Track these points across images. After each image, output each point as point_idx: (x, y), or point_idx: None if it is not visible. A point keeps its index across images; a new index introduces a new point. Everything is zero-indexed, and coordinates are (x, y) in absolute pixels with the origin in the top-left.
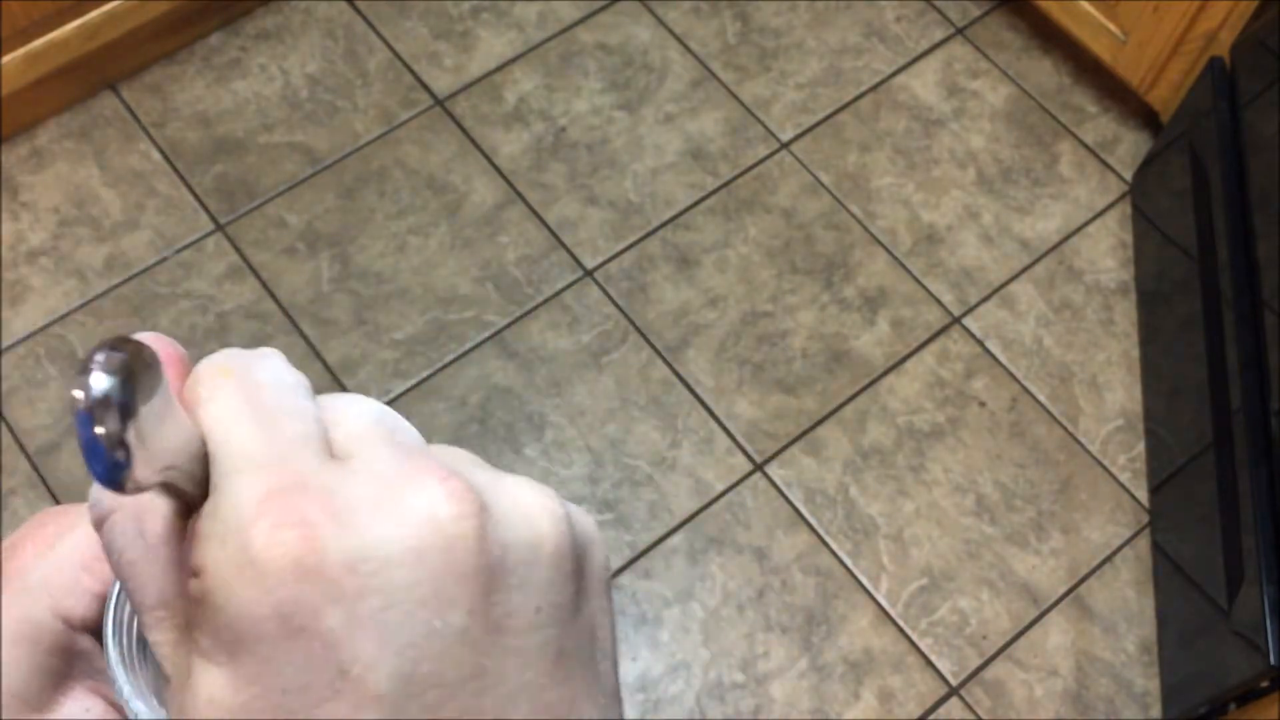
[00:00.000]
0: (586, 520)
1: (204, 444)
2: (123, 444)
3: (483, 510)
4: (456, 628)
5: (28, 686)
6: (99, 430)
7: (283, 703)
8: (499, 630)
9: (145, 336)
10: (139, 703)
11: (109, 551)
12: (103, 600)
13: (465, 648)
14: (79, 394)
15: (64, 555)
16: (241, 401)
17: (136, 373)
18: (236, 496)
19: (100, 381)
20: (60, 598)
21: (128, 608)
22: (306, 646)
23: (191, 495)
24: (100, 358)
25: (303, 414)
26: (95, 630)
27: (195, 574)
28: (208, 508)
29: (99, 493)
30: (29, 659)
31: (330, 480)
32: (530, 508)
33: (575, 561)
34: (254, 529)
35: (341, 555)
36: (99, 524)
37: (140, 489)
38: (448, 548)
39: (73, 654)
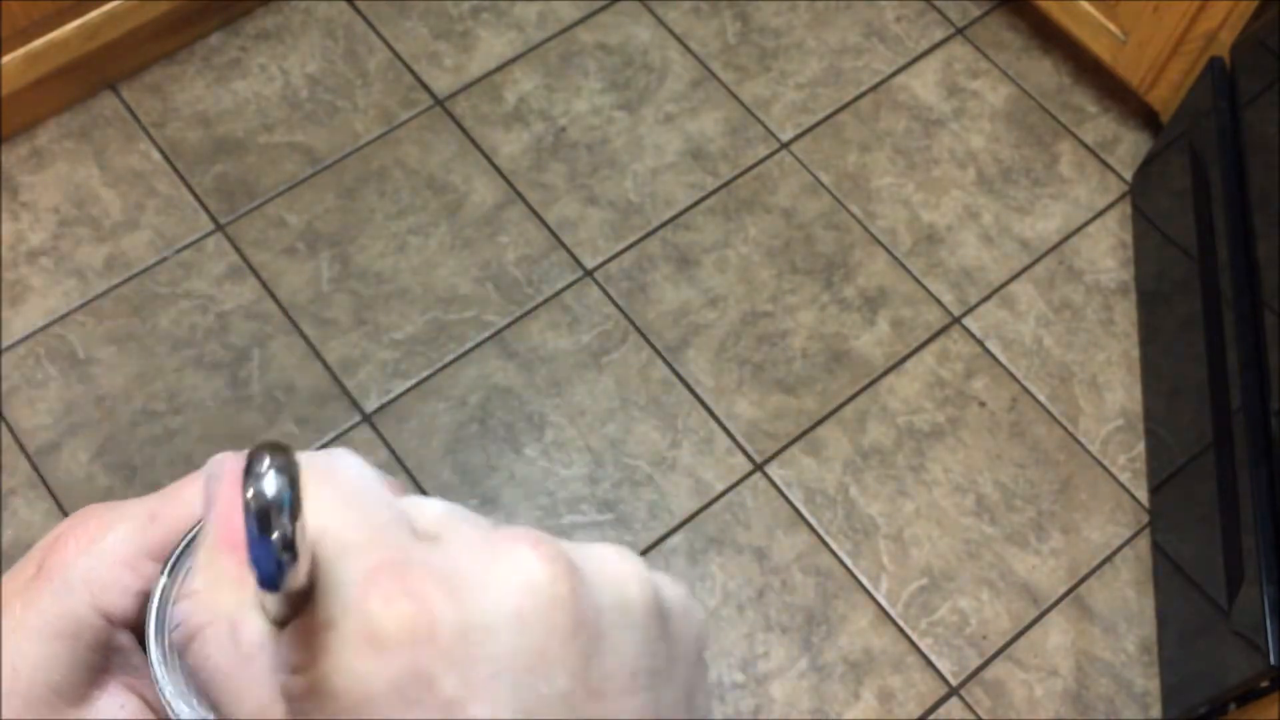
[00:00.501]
0: (679, 589)
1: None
2: (291, 547)
3: (574, 572)
4: (561, 691)
5: (65, 680)
6: (273, 534)
7: None
8: (599, 695)
9: (228, 457)
10: (180, 703)
11: (202, 667)
12: (143, 598)
13: (569, 710)
14: (250, 496)
15: (106, 551)
16: (332, 495)
17: (298, 477)
18: (345, 577)
19: (271, 484)
20: (101, 594)
21: (171, 607)
22: (425, 715)
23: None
24: (268, 460)
25: (389, 502)
26: (135, 628)
27: (298, 670)
28: (316, 598)
29: (183, 609)
30: (68, 653)
31: (429, 555)
32: (618, 572)
33: (664, 625)
34: (369, 603)
35: (452, 623)
36: (186, 643)
37: (292, 591)
38: (547, 611)
39: (111, 650)
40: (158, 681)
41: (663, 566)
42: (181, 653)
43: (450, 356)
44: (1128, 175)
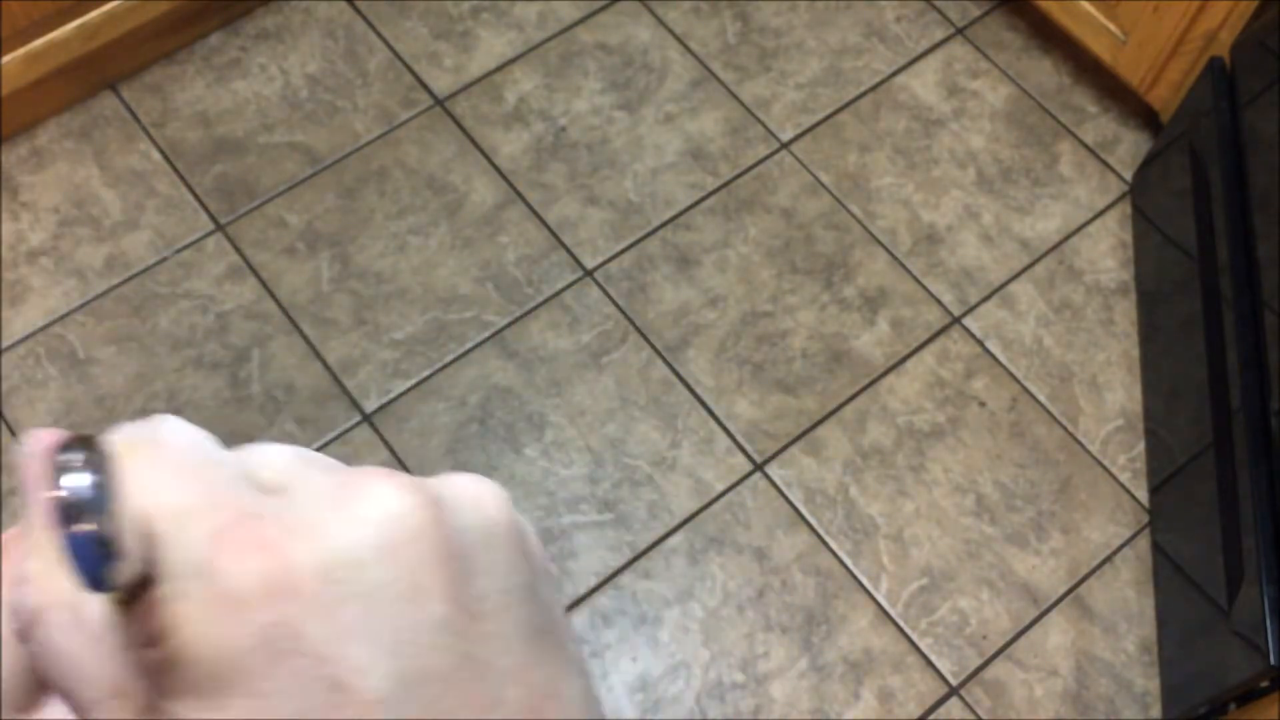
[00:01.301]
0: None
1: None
2: (107, 542)
3: (434, 499)
4: (438, 618)
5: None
6: (84, 529)
7: None
8: (476, 616)
9: (43, 434)
10: None
11: (46, 653)
12: None
13: (450, 637)
14: (55, 497)
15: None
16: (159, 468)
17: (106, 468)
18: (189, 544)
19: (77, 481)
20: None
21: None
22: (296, 668)
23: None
24: (68, 458)
25: (223, 460)
26: None
27: (154, 643)
28: (162, 573)
29: (18, 598)
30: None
31: (276, 506)
32: (476, 493)
33: (523, 540)
34: (218, 563)
35: (311, 566)
36: (27, 629)
37: (121, 585)
38: (412, 539)
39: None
40: None
41: (663, 566)
42: (25, 641)
43: (450, 356)
44: (1128, 175)
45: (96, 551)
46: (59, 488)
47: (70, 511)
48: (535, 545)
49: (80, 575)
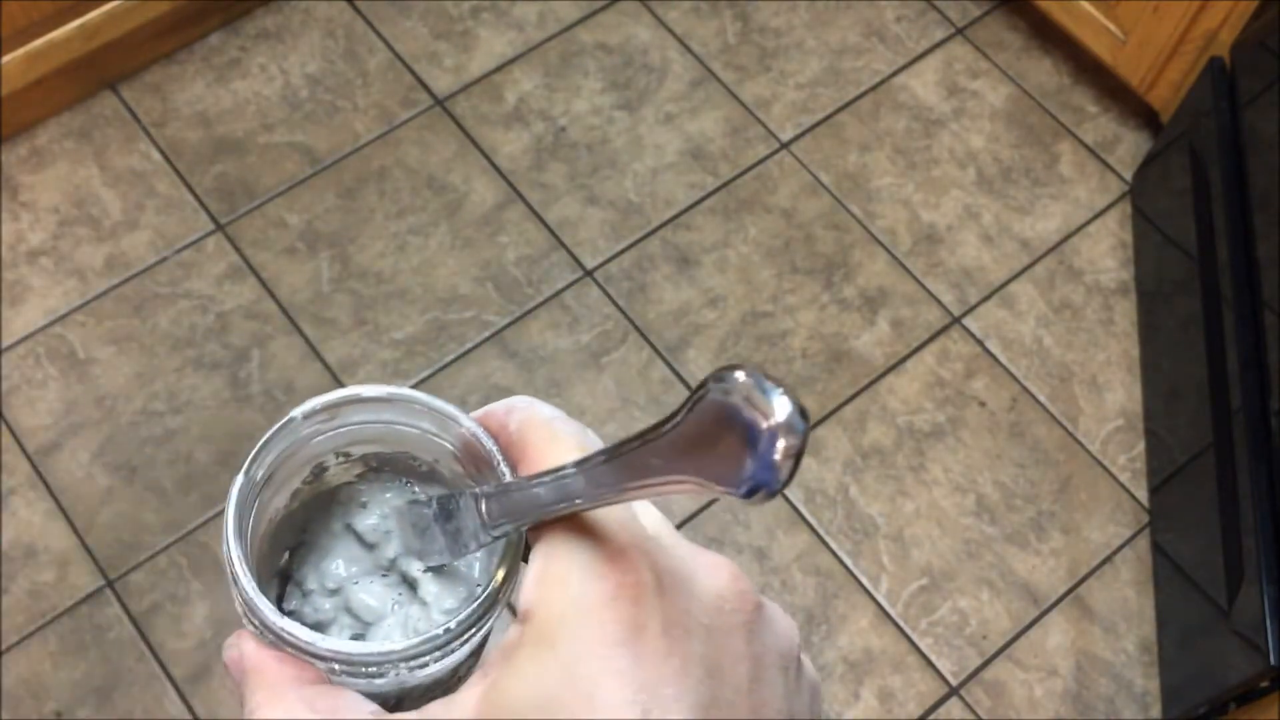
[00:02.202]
0: (812, 667)
1: None
2: (798, 458)
3: (759, 609)
4: (728, 700)
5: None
6: (792, 443)
7: None
8: (755, 715)
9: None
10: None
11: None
12: None
13: (733, 718)
14: (770, 417)
15: None
16: None
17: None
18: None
19: (787, 404)
20: None
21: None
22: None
23: None
24: (773, 385)
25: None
26: None
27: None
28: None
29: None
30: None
31: (654, 548)
32: (787, 625)
33: (800, 684)
34: (600, 584)
35: (660, 619)
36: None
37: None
38: (729, 631)
39: None
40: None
41: None
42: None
43: (450, 356)
44: (1128, 175)
45: (789, 469)
46: (771, 408)
47: (781, 428)
48: (816, 700)
49: (767, 486)
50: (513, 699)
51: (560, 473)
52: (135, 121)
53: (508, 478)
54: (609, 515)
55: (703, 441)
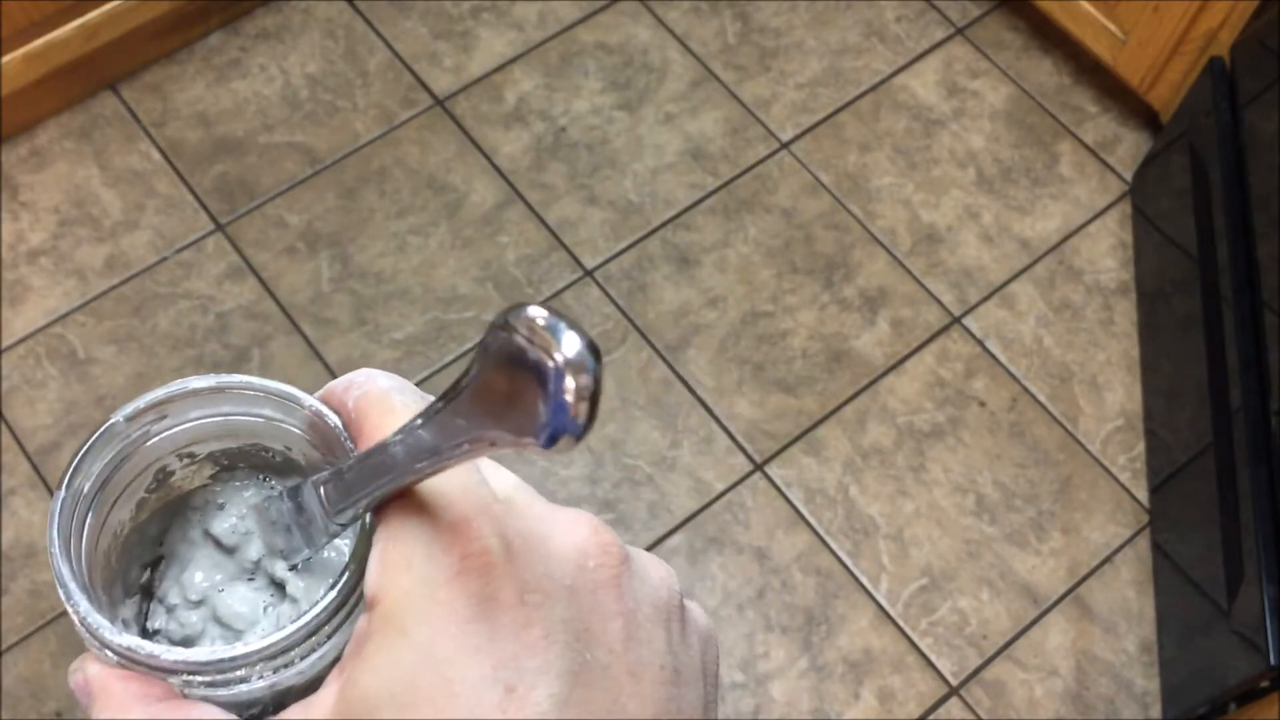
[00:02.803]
0: (702, 612)
1: None
2: (594, 399)
3: (625, 560)
4: (602, 663)
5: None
6: (583, 383)
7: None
8: (634, 676)
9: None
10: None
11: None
12: None
13: (609, 682)
14: (556, 356)
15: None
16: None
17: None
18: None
19: (575, 341)
20: None
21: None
22: (480, 663)
23: None
24: (557, 321)
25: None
26: None
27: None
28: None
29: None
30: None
31: (503, 511)
32: (658, 572)
33: (685, 632)
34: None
35: (514, 587)
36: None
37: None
38: (594, 589)
39: None
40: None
41: None
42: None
43: (450, 356)
44: (1128, 175)
45: (589, 409)
46: (558, 345)
47: (568, 367)
48: (708, 646)
49: (567, 428)
50: (368, 692)
51: (384, 445)
52: (135, 121)
53: (353, 449)
54: (449, 484)
55: (496, 391)
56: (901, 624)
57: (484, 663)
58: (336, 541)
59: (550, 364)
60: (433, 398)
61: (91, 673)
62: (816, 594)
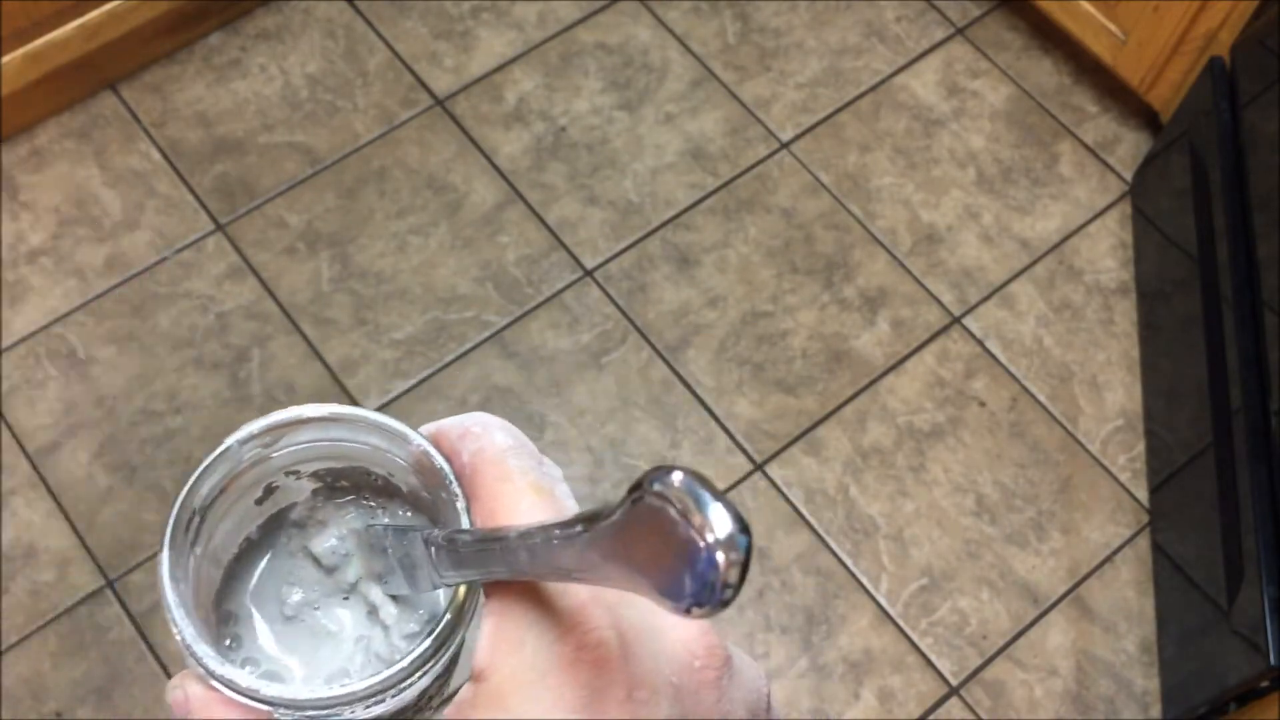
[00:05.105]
0: (777, 702)
1: None
2: (742, 576)
3: (727, 664)
4: None
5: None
6: (732, 560)
7: None
8: None
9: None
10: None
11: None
12: None
13: None
14: (707, 536)
15: None
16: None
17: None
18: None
19: (726, 520)
20: None
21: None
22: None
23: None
24: (709, 496)
25: None
26: None
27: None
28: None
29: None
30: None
31: (616, 600)
32: (753, 675)
33: None
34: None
35: (624, 683)
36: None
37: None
38: (698, 689)
39: None
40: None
41: None
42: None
43: (450, 356)
44: (1128, 175)
45: (732, 586)
46: (711, 524)
47: (721, 547)
48: None
49: (710, 602)
50: None
51: (504, 541)
52: (135, 121)
53: (460, 500)
54: None
55: (639, 548)
56: (901, 624)
57: None
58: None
59: (701, 544)
60: (549, 461)
61: (193, 692)
62: (816, 594)
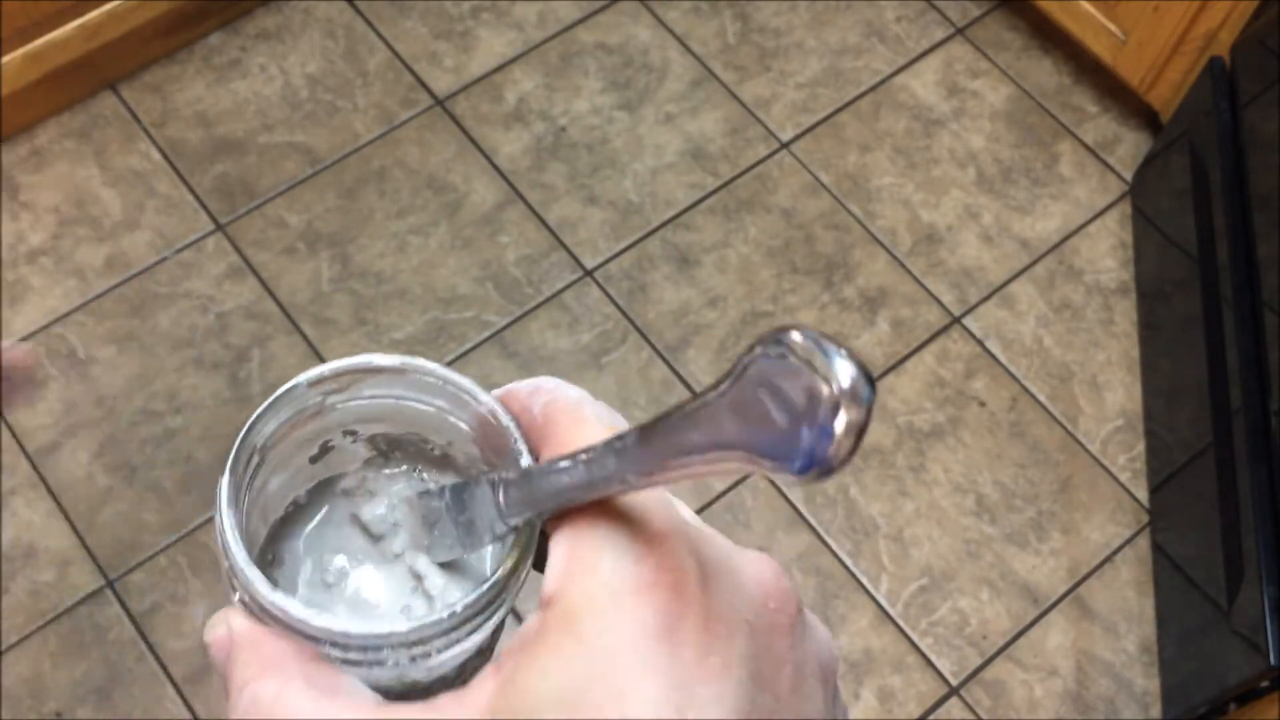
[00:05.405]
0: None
1: None
2: (861, 433)
3: (801, 612)
4: (768, 706)
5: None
6: (854, 416)
7: None
8: (789, 704)
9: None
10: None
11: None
12: None
13: (770, 706)
14: (833, 383)
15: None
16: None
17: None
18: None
19: (852, 370)
20: None
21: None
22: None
23: None
24: (835, 347)
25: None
26: None
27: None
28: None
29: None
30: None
31: (696, 536)
32: (826, 635)
33: (832, 699)
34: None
35: (701, 611)
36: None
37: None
38: (771, 631)
39: None
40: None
41: None
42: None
43: (450, 356)
44: (1128, 175)
45: (852, 443)
46: (833, 374)
47: (844, 399)
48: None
49: (820, 461)
50: (533, 694)
51: (589, 454)
52: (135, 121)
53: (525, 460)
54: (643, 499)
55: (752, 411)
56: (901, 624)
57: (660, 682)
58: (482, 551)
59: (825, 391)
60: (619, 415)
61: (237, 625)
62: (817, 594)
